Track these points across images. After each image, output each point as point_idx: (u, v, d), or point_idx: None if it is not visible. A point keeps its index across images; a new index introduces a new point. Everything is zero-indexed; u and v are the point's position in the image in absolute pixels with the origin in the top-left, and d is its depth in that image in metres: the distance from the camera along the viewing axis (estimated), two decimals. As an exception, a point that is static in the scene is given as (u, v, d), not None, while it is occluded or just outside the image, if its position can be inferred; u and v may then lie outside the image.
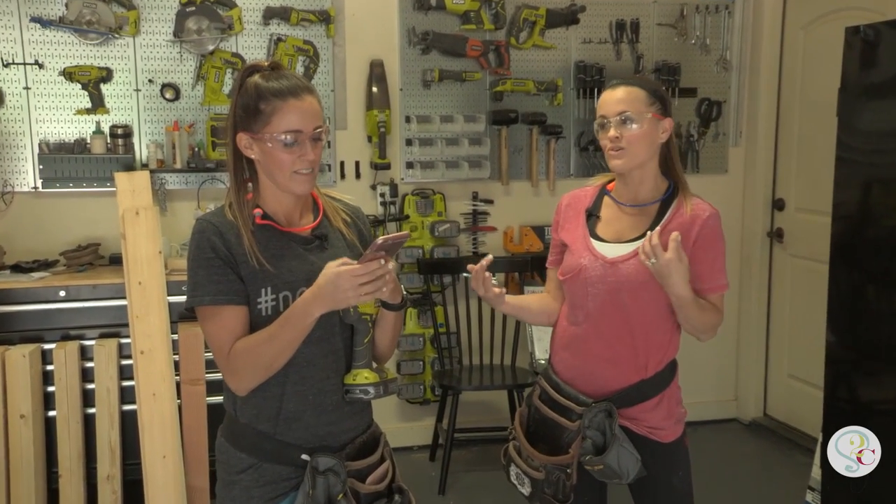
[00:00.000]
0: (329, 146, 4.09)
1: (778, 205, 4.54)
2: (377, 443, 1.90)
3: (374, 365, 1.85)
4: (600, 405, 2.12)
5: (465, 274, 2.17)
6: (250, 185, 1.82)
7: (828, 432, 3.14)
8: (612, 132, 2.11)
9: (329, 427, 1.81)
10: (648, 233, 2.02)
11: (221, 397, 1.89)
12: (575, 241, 2.20)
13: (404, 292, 1.85)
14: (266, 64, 1.79)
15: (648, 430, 2.17)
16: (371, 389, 1.79)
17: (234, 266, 1.74)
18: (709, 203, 2.16)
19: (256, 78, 1.76)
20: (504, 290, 2.17)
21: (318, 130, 1.76)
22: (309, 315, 1.68)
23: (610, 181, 2.27)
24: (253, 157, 1.78)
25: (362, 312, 1.78)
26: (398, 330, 1.91)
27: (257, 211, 1.79)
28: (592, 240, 2.18)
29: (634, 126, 2.09)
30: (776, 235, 4.54)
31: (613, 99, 2.13)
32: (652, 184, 2.18)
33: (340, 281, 1.63)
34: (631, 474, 2.12)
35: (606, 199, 2.23)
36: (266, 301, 1.75)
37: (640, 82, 2.16)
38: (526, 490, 2.20)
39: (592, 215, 2.22)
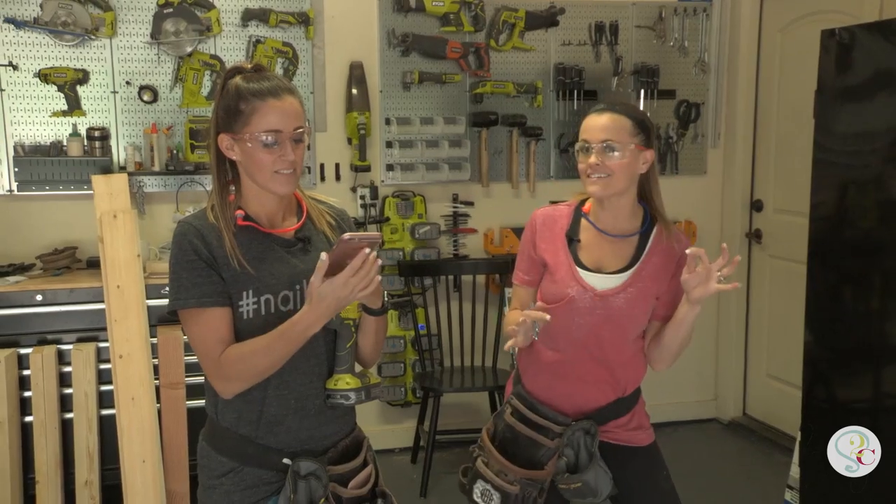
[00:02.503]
0: (309, 148, 4.06)
1: (756, 206, 4.57)
2: (360, 447, 1.90)
3: (358, 370, 1.84)
4: (581, 424, 2.12)
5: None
6: (233, 187, 1.81)
7: (806, 431, 3.17)
8: (593, 158, 2.07)
9: (311, 431, 1.81)
10: (723, 245, 2.07)
11: (202, 401, 1.88)
12: (559, 268, 2.16)
13: (385, 296, 1.84)
14: (248, 66, 1.79)
15: (627, 439, 2.21)
16: (352, 395, 1.79)
17: (217, 268, 1.73)
18: (683, 233, 2.21)
19: (238, 79, 1.75)
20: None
21: (299, 131, 1.76)
22: (309, 331, 1.69)
23: (584, 201, 2.23)
24: (234, 158, 1.77)
25: (344, 318, 1.77)
26: (382, 335, 1.90)
27: (239, 212, 1.78)
28: (579, 269, 2.14)
29: (616, 155, 2.06)
30: (755, 236, 4.57)
31: (598, 125, 2.09)
32: (629, 210, 2.17)
33: (337, 292, 1.63)
34: (604, 493, 2.13)
35: (584, 222, 2.19)
36: (248, 304, 1.74)
37: (626, 109, 2.12)
38: None
39: (573, 240, 2.17)
